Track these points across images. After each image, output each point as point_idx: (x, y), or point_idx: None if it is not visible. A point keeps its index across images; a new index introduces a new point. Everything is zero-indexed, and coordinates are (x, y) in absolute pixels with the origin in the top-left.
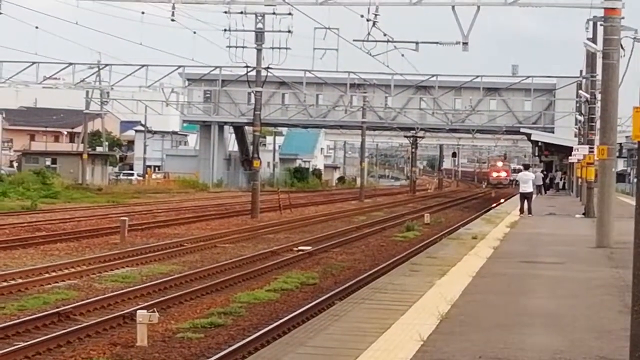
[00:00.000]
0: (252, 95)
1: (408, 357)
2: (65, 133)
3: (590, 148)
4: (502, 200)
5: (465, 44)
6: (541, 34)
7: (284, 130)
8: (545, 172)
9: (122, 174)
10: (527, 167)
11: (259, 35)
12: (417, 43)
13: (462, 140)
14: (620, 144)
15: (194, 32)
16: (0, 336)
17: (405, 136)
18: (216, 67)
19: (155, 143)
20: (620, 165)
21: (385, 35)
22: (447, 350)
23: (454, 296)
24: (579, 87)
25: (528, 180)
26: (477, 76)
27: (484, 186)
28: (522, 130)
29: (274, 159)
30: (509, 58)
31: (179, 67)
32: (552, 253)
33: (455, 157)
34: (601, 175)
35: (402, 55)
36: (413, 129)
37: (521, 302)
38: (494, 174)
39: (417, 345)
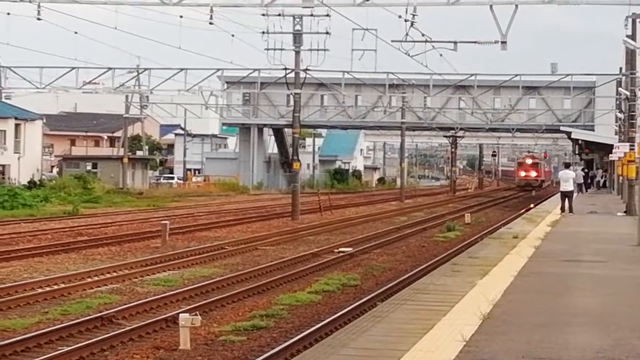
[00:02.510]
0: (291, 97)
1: (451, 357)
2: (106, 137)
3: (630, 146)
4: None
5: (503, 42)
6: (580, 32)
7: (324, 131)
8: (586, 170)
9: (162, 178)
10: (567, 166)
11: (297, 37)
12: (455, 43)
13: (502, 139)
14: None
15: (233, 35)
16: (44, 341)
17: (445, 136)
18: (255, 70)
19: (195, 146)
20: None
21: (423, 35)
22: (489, 350)
23: (496, 296)
24: (619, 84)
25: (569, 179)
26: (516, 75)
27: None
28: (562, 128)
29: (313, 161)
30: (548, 56)
31: (218, 70)
32: (593, 252)
33: (495, 156)
34: None
35: (441, 55)
36: (452, 128)
37: (563, 301)
38: (522, 173)
39: (459, 346)
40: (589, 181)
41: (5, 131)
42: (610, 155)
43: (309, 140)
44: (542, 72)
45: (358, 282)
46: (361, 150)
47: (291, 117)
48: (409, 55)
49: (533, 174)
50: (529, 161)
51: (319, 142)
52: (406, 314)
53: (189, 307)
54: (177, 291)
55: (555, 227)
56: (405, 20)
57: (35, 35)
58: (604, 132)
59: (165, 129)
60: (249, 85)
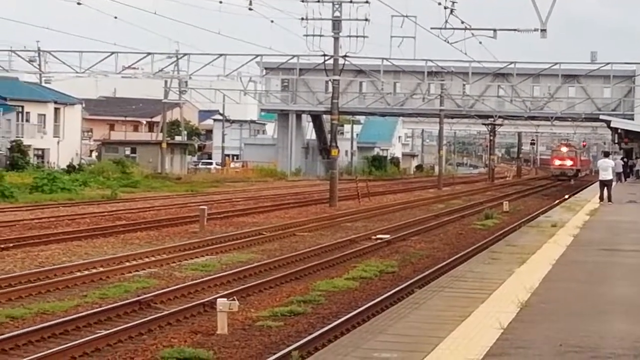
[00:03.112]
0: (330, 83)
1: (488, 344)
2: (144, 122)
3: None
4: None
5: (543, 30)
6: (620, 20)
7: (362, 118)
8: (625, 160)
9: (200, 163)
10: (607, 155)
11: (336, 23)
12: (495, 30)
13: (541, 127)
14: None
15: (272, 21)
16: (83, 324)
17: (484, 124)
18: (294, 56)
19: (234, 132)
20: None
21: (462, 22)
22: (527, 338)
23: (533, 284)
24: None
25: (608, 168)
26: (556, 63)
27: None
28: (601, 117)
29: (351, 148)
30: (587, 45)
31: (257, 56)
32: (632, 241)
33: (534, 144)
34: None
35: (480, 42)
36: (491, 116)
37: (602, 290)
38: (556, 162)
39: (497, 333)
40: (628, 170)
41: (45, 115)
42: None
43: (347, 127)
44: (581, 60)
45: (395, 269)
46: (399, 137)
47: (329, 103)
48: (448, 42)
49: (568, 162)
50: (564, 149)
51: (357, 128)
52: (444, 301)
53: (226, 292)
54: (215, 276)
55: (594, 216)
56: (445, 8)
57: (76, 20)
58: None
59: (204, 114)
60: (287, 72)
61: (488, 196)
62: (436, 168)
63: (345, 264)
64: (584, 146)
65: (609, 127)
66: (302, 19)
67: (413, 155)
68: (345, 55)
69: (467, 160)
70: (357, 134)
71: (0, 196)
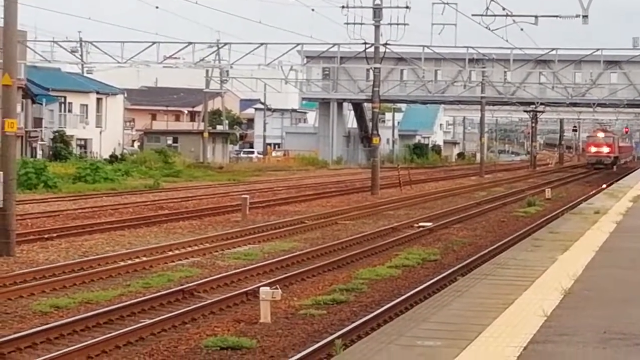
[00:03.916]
0: (371, 72)
1: (532, 332)
2: (186, 112)
3: None
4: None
5: (585, 17)
6: None
7: (403, 106)
8: None
9: (242, 152)
10: None
11: (377, 11)
12: (536, 17)
13: (583, 114)
14: None
15: (312, 10)
16: (126, 313)
17: (525, 111)
18: (334, 44)
19: (275, 121)
20: None
21: (504, 9)
22: (571, 325)
23: (577, 271)
24: None
25: None
26: (597, 49)
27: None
28: None
29: (393, 136)
30: (629, 31)
31: (298, 44)
32: None
33: (576, 131)
34: None
35: (521, 29)
36: (533, 103)
37: None
38: (592, 149)
39: (540, 321)
40: None
41: (87, 105)
42: None
43: (388, 115)
44: (623, 46)
45: (438, 256)
46: (441, 125)
47: (371, 91)
48: (489, 29)
49: (605, 149)
50: (601, 135)
51: (398, 116)
52: (487, 289)
53: (269, 281)
54: (258, 265)
55: (637, 203)
56: None
57: (117, 10)
58: None
59: (245, 103)
60: (328, 60)
61: (530, 183)
62: (478, 156)
63: (388, 252)
64: (626, 132)
65: None
66: (343, 7)
67: (455, 143)
68: (386, 43)
69: (508, 148)
70: (398, 122)
71: (43, 186)
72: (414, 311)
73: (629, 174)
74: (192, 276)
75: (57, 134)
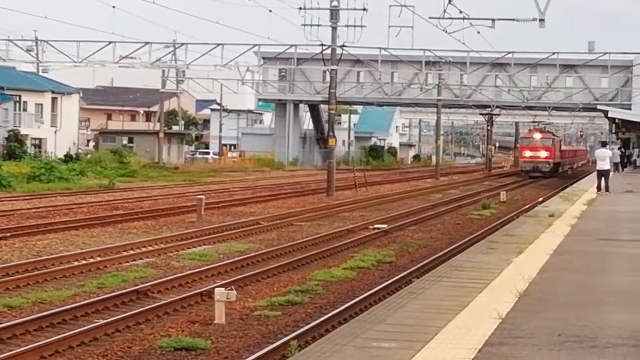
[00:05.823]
0: (328, 73)
1: (487, 334)
2: (142, 112)
3: None
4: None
5: (541, 20)
6: (618, 10)
7: (359, 108)
8: (622, 150)
9: (198, 153)
10: (604, 145)
11: (334, 13)
12: (493, 20)
13: (538, 117)
14: None
15: (270, 11)
16: (80, 313)
17: (481, 114)
18: (291, 46)
19: (231, 122)
20: None
21: (461, 12)
22: (525, 327)
23: (531, 274)
24: None
25: (605, 158)
26: (553, 53)
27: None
28: (598, 107)
29: (349, 137)
30: (585, 34)
31: (255, 45)
32: (630, 230)
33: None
34: None
35: (478, 32)
36: (488, 106)
37: (600, 280)
38: (527, 153)
39: (495, 323)
40: (626, 160)
41: (42, 105)
42: None
43: (344, 117)
44: (579, 50)
45: (393, 258)
46: (397, 127)
47: (327, 93)
48: (446, 32)
49: (543, 154)
50: (537, 136)
51: (354, 118)
52: (442, 291)
53: (224, 282)
54: (213, 266)
55: (592, 206)
56: None
57: (73, 9)
58: None
59: (202, 104)
60: (285, 61)
61: (485, 186)
62: (433, 158)
63: (343, 253)
64: (580, 136)
65: (606, 117)
66: (300, 8)
67: (410, 145)
68: (343, 45)
69: (464, 151)
70: (354, 124)
71: None
72: (369, 313)
73: (583, 177)
74: (147, 277)
75: (11, 133)
